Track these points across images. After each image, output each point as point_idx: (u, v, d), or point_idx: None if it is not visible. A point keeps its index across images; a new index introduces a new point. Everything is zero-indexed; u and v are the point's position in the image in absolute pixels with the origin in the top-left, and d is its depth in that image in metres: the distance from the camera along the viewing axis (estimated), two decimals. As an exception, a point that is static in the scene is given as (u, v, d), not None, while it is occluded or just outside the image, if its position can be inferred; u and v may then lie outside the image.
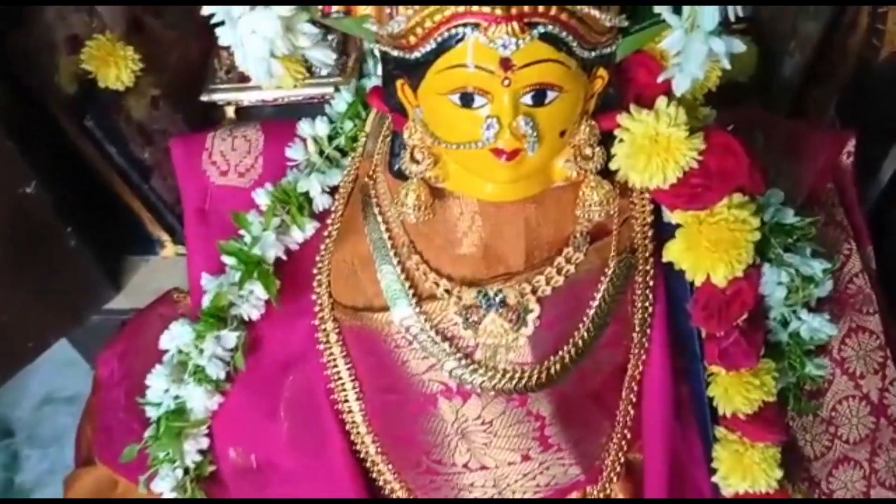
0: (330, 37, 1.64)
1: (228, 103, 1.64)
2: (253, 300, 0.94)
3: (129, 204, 1.38)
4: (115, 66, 1.32)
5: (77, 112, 1.30)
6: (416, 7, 0.64)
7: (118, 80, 1.32)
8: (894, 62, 1.24)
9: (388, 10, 0.66)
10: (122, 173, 1.34)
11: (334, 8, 0.69)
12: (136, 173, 1.35)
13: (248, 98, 1.64)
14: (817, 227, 0.92)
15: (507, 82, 0.64)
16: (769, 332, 0.92)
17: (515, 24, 0.62)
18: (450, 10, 0.63)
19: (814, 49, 1.43)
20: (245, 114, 1.67)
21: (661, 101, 0.74)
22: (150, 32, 1.51)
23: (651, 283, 0.84)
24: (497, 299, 0.79)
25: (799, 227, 0.91)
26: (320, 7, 0.69)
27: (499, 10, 0.62)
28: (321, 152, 0.95)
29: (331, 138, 0.96)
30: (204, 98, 1.62)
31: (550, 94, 0.66)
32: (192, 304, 1.00)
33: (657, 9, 0.69)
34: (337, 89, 0.97)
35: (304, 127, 0.95)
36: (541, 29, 0.63)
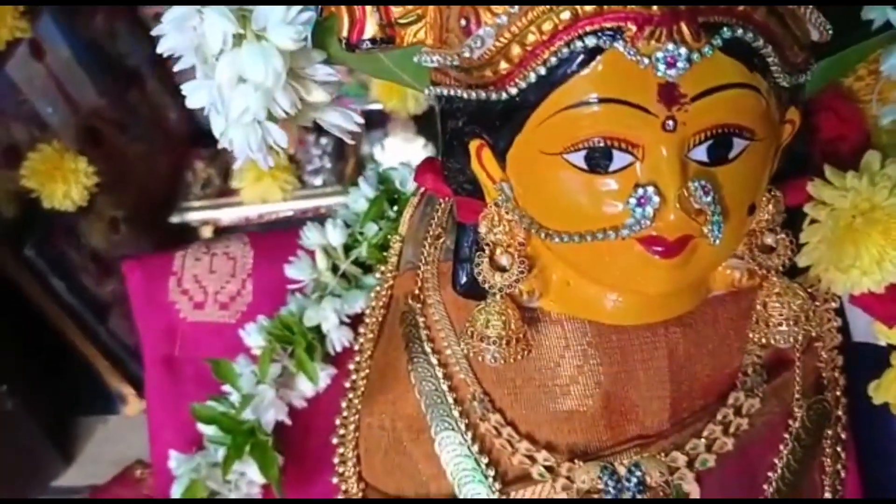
0: (323, 140, 1.44)
1: (205, 223, 1.44)
2: (244, 487, 0.66)
3: (82, 351, 1.16)
4: (63, 181, 1.09)
5: (15, 239, 1.06)
6: (512, 11, 0.38)
7: (67, 199, 1.09)
8: None
9: (461, 20, 0.41)
10: (73, 313, 1.12)
11: (368, 34, 0.43)
12: (90, 312, 1.13)
13: (227, 216, 1.43)
14: None
15: (670, 125, 0.39)
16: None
17: (685, 27, 0.37)
18: (568, 10, 0.37)
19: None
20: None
21: (873, 158, 0.49)
22: (111, 146, 1.30)
23: (843, 436, 0.57)
24: (633, 479, 0.51)
25: None
26: (344, 34, 0.43)
27: (656, 4, 0.36)
28: (335, 269, 0.68)
29: (348, 249, 0.69)
30: (175, 219, 1.40)
31: (737, 144, 0.41)
32: (155, 491, 0.71)
33: (868, 12, 0.45)
34: (354, 183, 0.71)
35: (310, 235, 0.69)
36: (726, 33, 0.38)
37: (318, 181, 1.41)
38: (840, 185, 0.48)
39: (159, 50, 0.45)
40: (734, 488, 0.53)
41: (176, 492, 0.65)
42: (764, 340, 0.49)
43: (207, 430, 0.66)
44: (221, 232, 1.47)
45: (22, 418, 1.09)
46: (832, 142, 0.51)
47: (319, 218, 0.77)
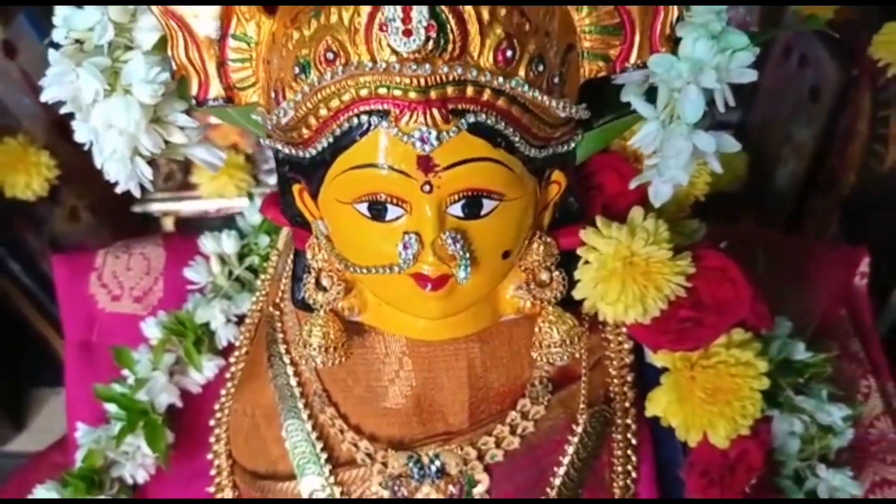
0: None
1: (166, 214, 1.52)
2: (139, 458, 0.76)
3: (37, 328, 1.23)
4: (25, 173, 1.19)
5: (-25, 225, 1.16)
6: (305, 90, 0.48)
7: (28, 189, 1.19)
8: (902, 170, 1.10)
9: (273, 94, 0.51)
10: (30, 294, 1.19)
11: (212, 94, 0.53)
12: (45, 293, 1.20)
13: (187, 208, 1.51)
14: (832, 363, 0.77)
15: (427, 188, 0.48)
16: (781, 492, 0.75)
17: (436, 112, 0.46)
18: (349, 93, 0.47)
19: (810, 156, 1.32)
20: (186, 226, 1.53)
21: (637, 213, 0.58)
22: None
23: (633, 442, 0.67)
24: (433, 467, 0.61)
25: (812, 365, 0.76)
26: (193, 93, 0.53)
27: (413, 94, 0.46)
28: (230, 273, 0.78)
29: (242, 256, 0.79)
30: (137, 209, 1.49)
31: (487, 204, 0.50)
32: (68, 462, 0.81)
33: (625, 95, 0.54)
34: (250, 196, 0.81)
35: (207, 243, 0.79)
36: (470, 118, 0.47)
37: (272, 180, 1.50)
38: (607, 233, 0.58)
39: (42, 99, 0.55)
40: (523, 480, 0.63)
41: (78, 458, 0.76)
42: (540, 359, 0.59)
43: (110, 407, 0.76)
44: (182, 223, 1.57)
45: (-24, 387, 1.19)
46: (615, 196, 0.61)
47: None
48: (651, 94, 0.53)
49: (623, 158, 0.60)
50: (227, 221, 1.52)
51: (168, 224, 1.54)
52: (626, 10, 0.50)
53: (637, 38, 0.51)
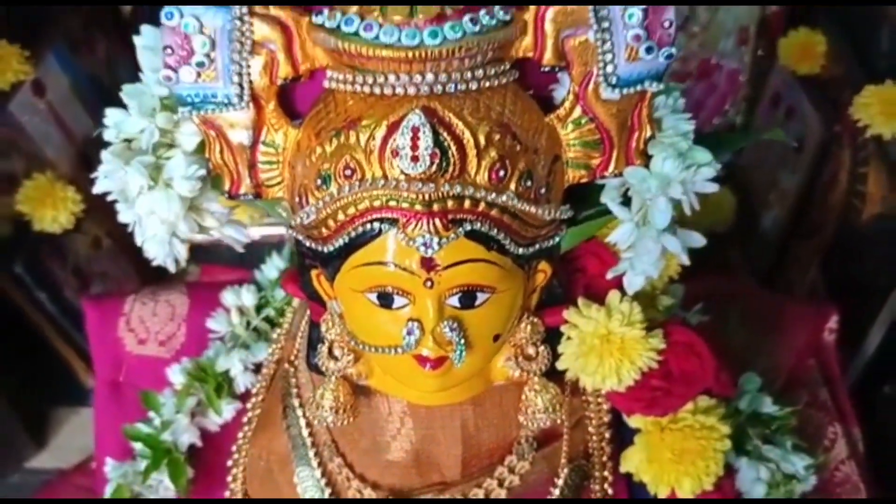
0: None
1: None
2: (162, 491, 0.83)
3: (61, 352, 1.31)
4: (52, 207, 1.26)
5: (6, 257, 1.22)
6: (326, 199, 0.56)
7: (56, 223, 1.26)
8: (877, 224, 1.17)
9: (297, 197, 0.58)
10: (54, 320, 1.27)
11: (243, 190, 0.61)
12: (69, 320, 1.27)
13: (200, 236, 1.57)
14: (798, 415, 0.84)
15: (429, 284, 0.56)
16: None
17: (438, 221, 0.54)
18: (364, 203, 0.55)
19: (794, 203, 1.39)
20: (198, 253, 1.61)
21: (614, 297, 0.66)
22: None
23: (610, 492, 0.74)
24: (428, 515, 0.69)
25: (778, 417, 0.83)
26: (227, 188, 0.61)
27: (419, 206, 0.54)
28: (248, 324, 0.86)
29: (259, 308, 0.86)
30: (154, 236, 1.55)
31: (481, 296, 0.58)
32: (96, 490, 0.89)
33: (604, 197, 0.62)
34: (268, 254, 0.89)
35: (228, 296, 0.86)
36: (467, 226, 0.55)
37: (283, 213, 1.57)
38: (587, 314, 0.65)
39: (94, 191, 0.63)
40: (508, 527, 0.71)
41: (107, 492, 0.83)
42: (526, 422, 0.66)
43: (136, 445, 0.84)
44: (195, 249, 1.64)
45: (3, 406, 1.26)
46: (595, 278, 0.68)
47: (280, 244, 0.94)
48: (628, 195, 0.61)
49: (603, 245, 0.67)
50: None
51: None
52: (606, 128, 0.58)
53: (615, 153, 0.58)
